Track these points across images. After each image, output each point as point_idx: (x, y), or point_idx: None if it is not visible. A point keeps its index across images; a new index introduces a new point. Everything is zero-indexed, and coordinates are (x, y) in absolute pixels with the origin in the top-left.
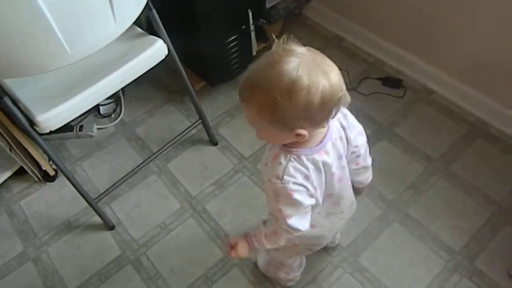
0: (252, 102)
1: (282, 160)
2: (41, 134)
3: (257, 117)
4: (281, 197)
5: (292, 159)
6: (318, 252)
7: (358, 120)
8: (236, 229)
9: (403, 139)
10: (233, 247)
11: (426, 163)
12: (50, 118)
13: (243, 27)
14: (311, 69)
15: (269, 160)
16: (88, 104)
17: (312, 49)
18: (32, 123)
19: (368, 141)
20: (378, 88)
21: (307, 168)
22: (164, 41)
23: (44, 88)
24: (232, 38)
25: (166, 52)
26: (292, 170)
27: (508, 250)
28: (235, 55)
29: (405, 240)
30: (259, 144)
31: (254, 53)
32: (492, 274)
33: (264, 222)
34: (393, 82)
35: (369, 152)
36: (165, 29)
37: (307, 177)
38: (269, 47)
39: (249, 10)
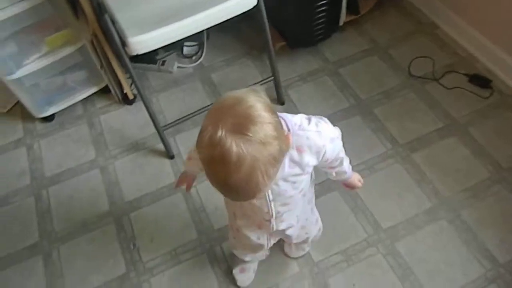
0: (263, 186)
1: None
2: (129, 57)
3: (275, 171)
4: (329, 130)
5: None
6: (354, 227)
7: (431, 112)
8: None
9: (476, 140)
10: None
11: (493, 170)
12: (139, 42)
13: None
14: (237, 121)
15: (305, 152)
16: (175, 36)
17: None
18: (123, 44)
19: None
20: (463, 84)
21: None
22: None
23: (139, 15)
24: (322, 2)
25: (255, 3)
26: (299, 119)
27: None
28: (321, 20)
29: (450, 239)
30: (325, 111)
31: (341, 23)
32: None
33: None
34: (481, 80)
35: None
36: None
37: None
38: (357, 21)
39: None
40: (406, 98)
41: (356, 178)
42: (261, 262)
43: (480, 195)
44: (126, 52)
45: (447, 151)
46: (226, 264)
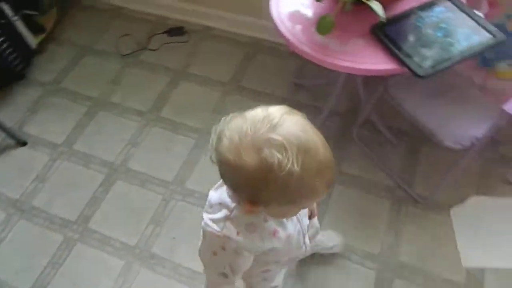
0: None
1: None
2: None
3: None
4: None
5: None
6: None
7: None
8: (69, 210)
9: (197, 75)
10: None
11: (221, 87)
12: None
13: (3, 21)
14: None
15: None
16: None
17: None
18: None
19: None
20: (166, 40)
21: None
22: None
23: None
24: None
25: None
26: None
27: None
28: (9, 50)
29: None
30: (50, 124)
31: (34, 46)
32: None
33: None
34: (176, 31)
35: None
36: None
37: None
38: (51, 37)
39: (3, 2)
40: (132, 75)
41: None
42: None
43: (220, 111)
44: None
45: (183, 94)
46: None
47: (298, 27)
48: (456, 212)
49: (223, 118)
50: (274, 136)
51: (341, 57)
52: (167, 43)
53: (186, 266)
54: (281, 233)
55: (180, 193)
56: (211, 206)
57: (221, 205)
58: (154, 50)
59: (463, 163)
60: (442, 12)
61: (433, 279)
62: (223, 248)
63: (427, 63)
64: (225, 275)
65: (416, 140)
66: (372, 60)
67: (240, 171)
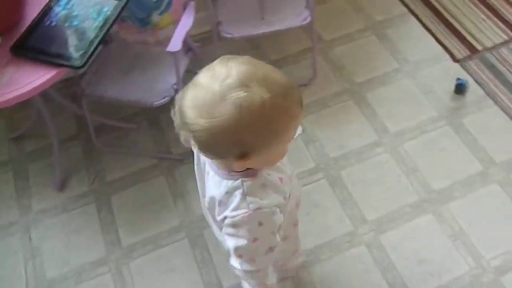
0: None
1: None
2: None
3: None
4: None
5: None
6: None
7: None
8: None
9: None
10: None
11: None
12: None
13: None
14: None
15: None
16: None
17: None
18: None
19: None
20: None
21: None
22: None
23: None
24: None
25: None
26: None
27: None
28: None
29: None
30: None
31: None
32: None
33: None
34: None
35: None
36: None
37: None
38: None
39: None
40: None
41: None
42: None
43: None
44: None
45: None
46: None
47: None
48: None
49: (177, 95)
50: (230, 80)
51: (4, 91)
52: None
53: None
54: (285, 177)
55: None
56: (220, 203)
57: (229, 192)
58: None
59: None
60: (68, 2)
61: None
62: (260, 223)
63: (78, 53)
64: (271, 249)
65: (152, 112)
66: (34, 77)
67: (218, 127)
